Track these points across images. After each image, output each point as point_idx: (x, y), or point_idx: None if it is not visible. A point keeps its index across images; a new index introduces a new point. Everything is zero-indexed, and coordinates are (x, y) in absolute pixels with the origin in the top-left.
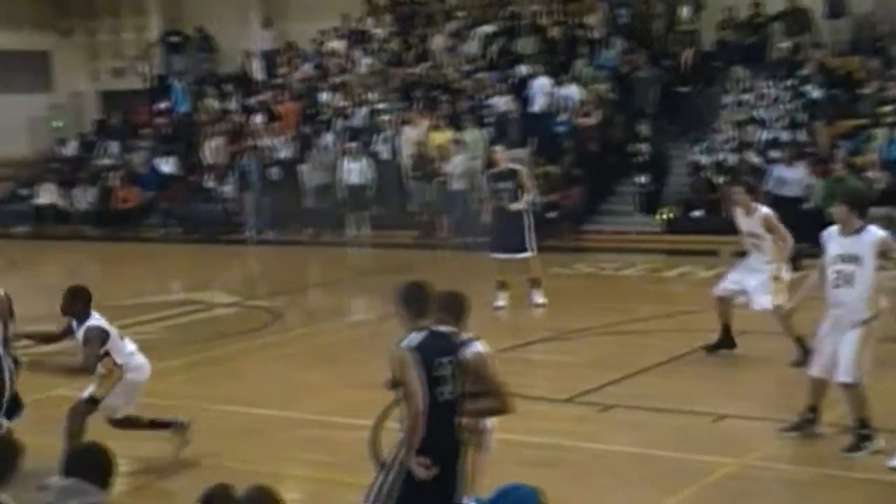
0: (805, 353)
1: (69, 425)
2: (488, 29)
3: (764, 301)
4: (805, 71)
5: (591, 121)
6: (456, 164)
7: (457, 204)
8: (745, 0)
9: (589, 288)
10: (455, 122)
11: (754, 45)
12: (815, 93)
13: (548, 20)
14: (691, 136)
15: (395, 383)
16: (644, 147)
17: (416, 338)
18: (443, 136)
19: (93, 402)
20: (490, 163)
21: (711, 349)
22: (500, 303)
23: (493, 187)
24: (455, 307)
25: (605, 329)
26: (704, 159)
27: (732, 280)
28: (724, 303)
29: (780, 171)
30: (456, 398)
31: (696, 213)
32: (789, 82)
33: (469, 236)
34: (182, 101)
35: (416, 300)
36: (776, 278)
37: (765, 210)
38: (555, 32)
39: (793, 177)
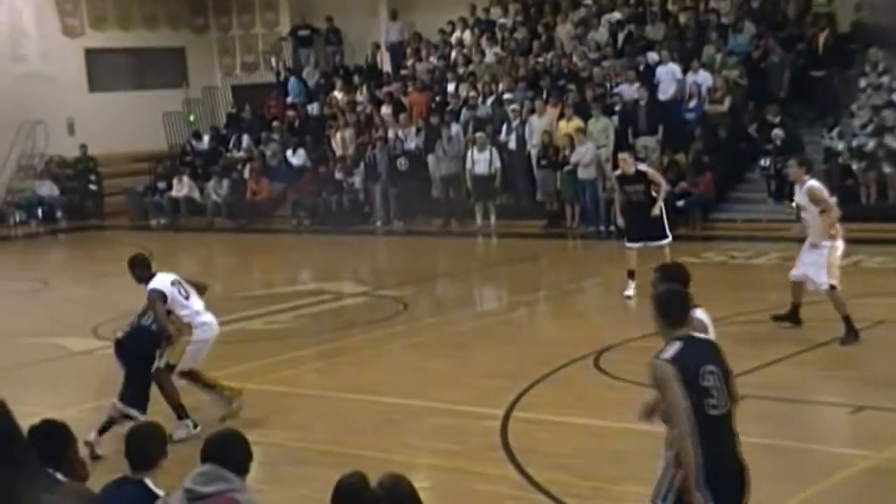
0: (852, 333)
1: (165, 397)
2: (616, 16)
3: (821, 278)
4: None
5: (722, 107)
6: (584, 152)
7: (585, 192)
8: None
9: (720, 277)
10: (582, 111)
11: (891, 27)
12: None
13: (676, 6)
14: (826, 122)
15: (651, 409)
16: (777, 132)
17: (673, 348)
18: (570, 125)
19: (169, 369)
20: (616, 166)
21: (778, 318)
22: (630, 292)
23: (625, 190)
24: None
25: (737, 318)
26: (840, 145)
27: (798, 264)
28: (798, 287)
29: None
30: (727, 412)
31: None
32: None
33: (596, 225)
34: (298, 93)
35: (672, 307)
36: (830, 258)
37: (812, 182)
38: (684, 18)
39: None
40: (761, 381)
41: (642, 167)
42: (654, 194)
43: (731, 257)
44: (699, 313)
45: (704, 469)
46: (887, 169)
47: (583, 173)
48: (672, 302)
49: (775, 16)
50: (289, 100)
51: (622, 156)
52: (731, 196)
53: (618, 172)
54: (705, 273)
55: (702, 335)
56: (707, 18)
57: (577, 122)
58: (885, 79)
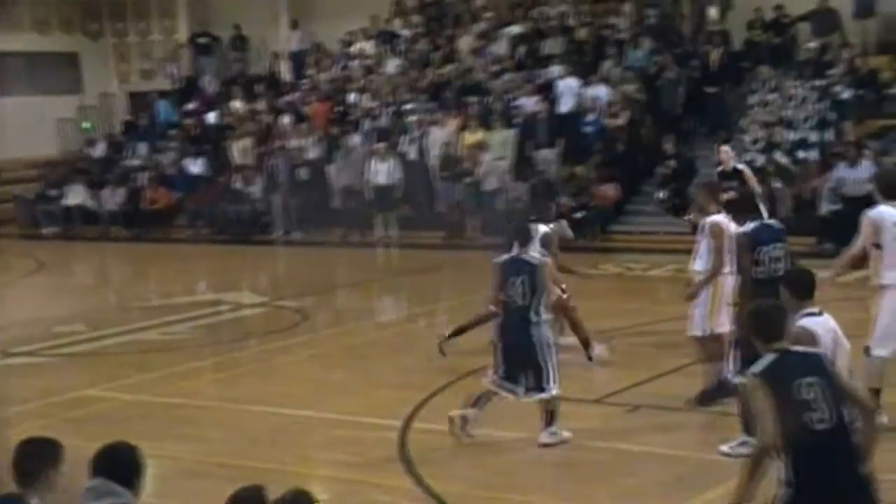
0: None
1: None
2: (516, 30)
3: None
4: (833, 71)
5: (620, 121)
6: (485, 164)
7: (486, 204)
8: (773, 0)
9: (617, 288)
10: (483, 123)
11: (782, 45)
12: (844, 93)
13: (575, 21)
14: (719, 137)
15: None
16: (670, 163)
17: (764, 361)
18: (472, 137)
19: None
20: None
21: None
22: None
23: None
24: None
25: (633, 329)
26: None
27: None
28: None
29: (842, 170)
30: (835, 427)
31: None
32: (817, 82)
33: (498, 236)
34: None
35: (767, 322)
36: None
37: (717, 217)
38: (582, 33)
39: (856, 176)
40: (657, 391)
41: (741, 165)
42: None
43: (628, 269)
44: (807, 322)
45: (806, 489)
46: (776, 184)
47: (483, 185)
48: (766, 316)
49: (671, 32)
50: (189, 107)
51: (724, 148)
52: (629, 209)
53: (719, 168)
54: (603, 284)
55: (803, 348)
56: (605, 34)
57: (478, 133)
58: (774, 96)
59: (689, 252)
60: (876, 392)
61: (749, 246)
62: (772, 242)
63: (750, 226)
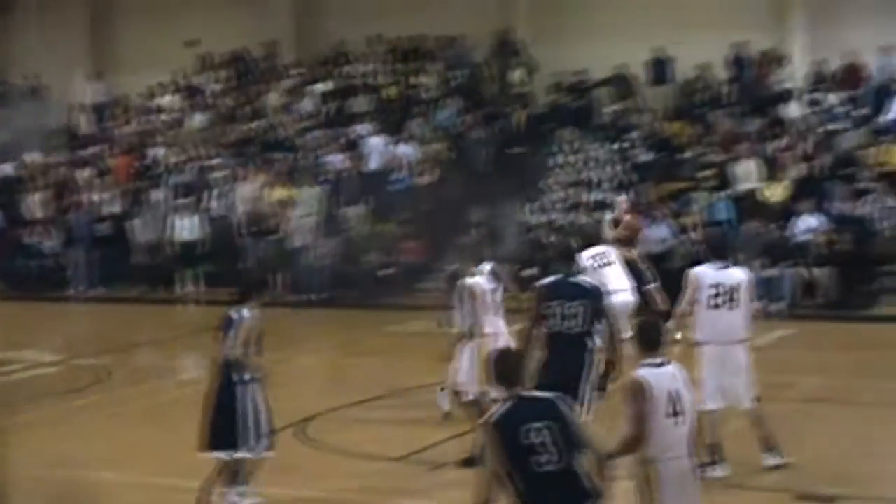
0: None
1: None
2: (324, 87)
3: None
4: (631, 134)
5: (427, 179)
6: (292, 220)
7: (293, 261)
8: (574, 64)
9: (424, 345)
10: (291, 180)
11: (582, 108)
12: (642, 156)
13: (383, 80)
14: (524, 196)
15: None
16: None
17: (498, 409)
18: (278, 193)
19: None
20: None
21: None
22: None
23: None
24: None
25: (435, 388)
26: (536, 219)
27: None
28: None
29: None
30: (563, 469)
31: (529, 272)
32: (616, 145)
33: (305, 294)
34: None
35: (505, 369)
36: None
37: (474, 279)
38: (390, 92)
39: (655, 235)
40: (463, 448)
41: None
42: None
43: (437, 325)
44: (642, 372)
45: None
46: (575, 244)
47: (291, 241)
48: (501, 364)
49: (477, 93)
50: None
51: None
52: (436, 266)
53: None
54: (411, 341)
55: (537, 393)
56: (413, 93)
57: (284, 190)
58: (576, 157)
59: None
60: (714, 446)
61: (541, 298)
62: (569, 299)
63: (549, 280)
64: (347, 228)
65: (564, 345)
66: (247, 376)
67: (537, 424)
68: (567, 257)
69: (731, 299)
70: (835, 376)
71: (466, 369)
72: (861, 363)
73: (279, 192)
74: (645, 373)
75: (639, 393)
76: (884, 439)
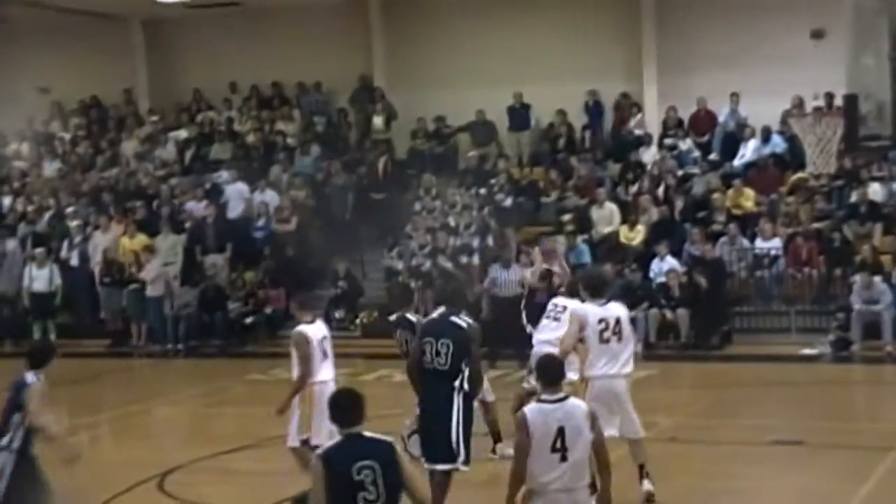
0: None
1: None
2: (182, 134)
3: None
4: (492, 180)
5: (289, 226)
6: (151, 270)
7: (152, 310)
8: (434, 111)
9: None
10: (150, 228)
11: (444, 154)
12: (504, 201)
13: (243, 126)
14: (387, 242)
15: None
16: (342, 283)
17: (330, 444)
18: (136, 242)
19: None
20: None
21: None
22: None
23: None
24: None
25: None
26: (400, 264)
27: None
28: None
29: (496, 271)
30: None
31: (393, 317)
32: (476, 190)
33: (165, 344)
34: None
35: (338, 408)
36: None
37: (299, 328)
38: (251, 138)
39: (508, 278)
40: None
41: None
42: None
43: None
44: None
45: None
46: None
47: (150, 291)
48: (335, 403)
49: (338, 140)
50: None
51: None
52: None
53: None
54: (274, 390)
55: (376, 435)
56: (274, 139)
57: (143, 238)
58: (437, 202)
59: (358, 355)
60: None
61: (420, 335)
62: (438, 337)
63: (427, 318)
64: (208, 277)
65: (434, 382)
66: (3, 441)
67: (366, 463)
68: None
69: (616, 332)
70: (694, 416)
71: (297, 416)
72: (718, 402)
73: (137, 241)
74: (532, 408)
75: (520, 427)
76: (743, 476)
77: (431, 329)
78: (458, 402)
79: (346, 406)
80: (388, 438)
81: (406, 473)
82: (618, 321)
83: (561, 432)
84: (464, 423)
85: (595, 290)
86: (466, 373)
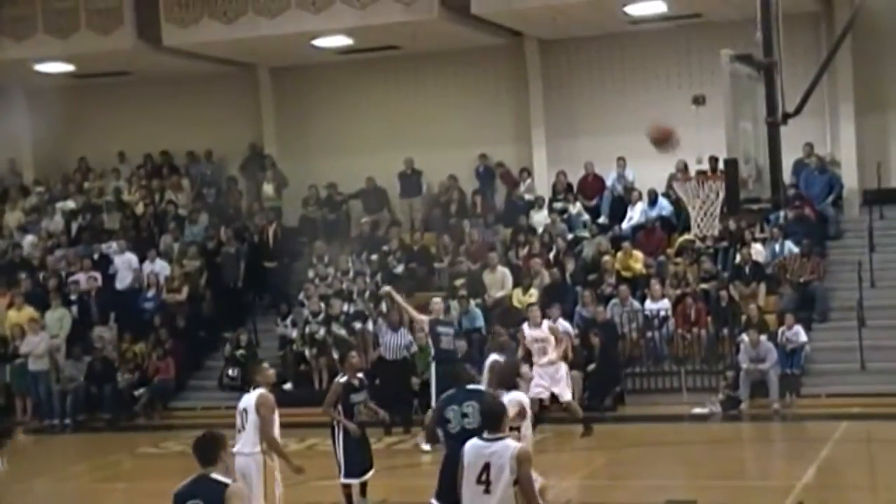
0: None
1: None
2: (70, 204)
3: None
4: (385, 246)
5: (180, 296)
6: (37, 342)
7: (38, 385)
8: (325, 178)
9: (181, 466)
10: (37, 300)
11: (336, 221)
12: (397, 267)
13: (132, 196)
14: (280, 310)
15: None
16: (241, 352)
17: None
18: (22, 315)
19: None
20: None
21: None
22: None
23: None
24: None
25: None
26: (294, 332)
27: None
28: None
29: (385, 334)
30: None
31: (287, 386)
32: (369, 257)
33: (52, 418)
34: None
35: (196, 450)
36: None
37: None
38: (140, 208)
39: (396, 342)
40: None
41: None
42: None
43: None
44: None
45: None
46: (336, 354)
47: (35, 364)
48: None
49: (228, 208)
50: None
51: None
52: (190, 384)
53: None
54: (165, 463)
55: (216, 476)
56: (164, 209)
57: (29, 311)
58: (330, 269)
59: None
60: None
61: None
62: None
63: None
64: (96, 349)
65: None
66: None
67: (193, 501)
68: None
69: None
70: (588, 477)
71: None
72: (612, 463)
73: (24, 314)
74: (469, 443)
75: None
76: None
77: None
78: None
79: (201, 448)
80: (228, 481)
81: None
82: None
83: (486, 467)
84: None
85: (506, 383)
86: None
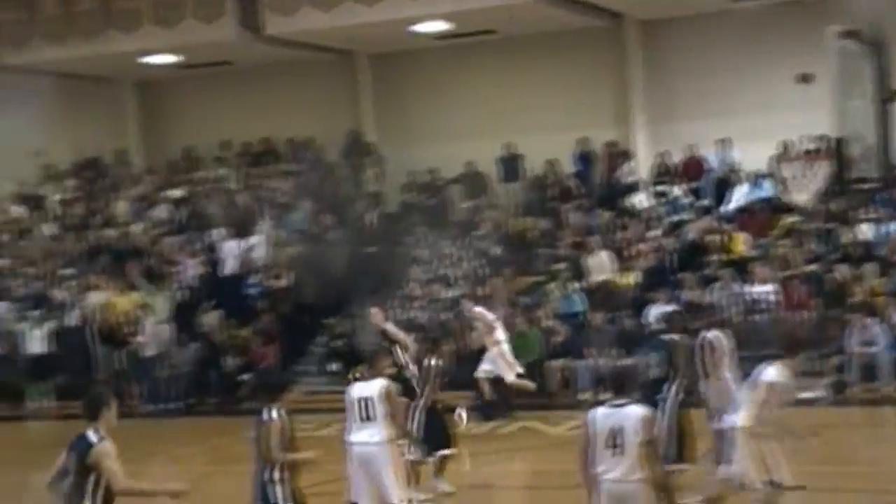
0: None
1: None
2: (176, 193)
3: None
4: (484, 231)
5: (282, 282)
6: (146, 329)
7: (148, 370)
8: (426, 163)
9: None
10: (145, 287)
11: (436, 206)
12: (495, 251)
13: (235, 184)
14: (382, 295)
15: None
16: (339, 342)
17: None
18: (130, 302)
19: None
20: None
21: None
22: None
23: None
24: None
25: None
26: (395, 317)
27: None
28: None
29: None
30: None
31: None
32: (469, 242)
33: (162, 403)
34: None
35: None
36: None
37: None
38: (243, 196)
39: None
40: None
41: (389, 326)
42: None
43: (299, 429)
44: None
45: None
46: (435, 339)
47: (146, 350)
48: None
49: (329, 195)
50: None
51: (373, 310)
52: (296, 369)
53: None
54: None
55: (91, 435)
56: (265, 196)
57: (138, 297)
58: (431, 255)
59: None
60: None
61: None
62: None
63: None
64: (203, 335)
65: None
66: None
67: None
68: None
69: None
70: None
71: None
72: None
73: (132, 301)
74: (597, 411)
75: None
76: None
77: None
78: None
79: (85, 405)
80: (95, 440)
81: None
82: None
83: (618, 432)
84: None
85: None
86: None
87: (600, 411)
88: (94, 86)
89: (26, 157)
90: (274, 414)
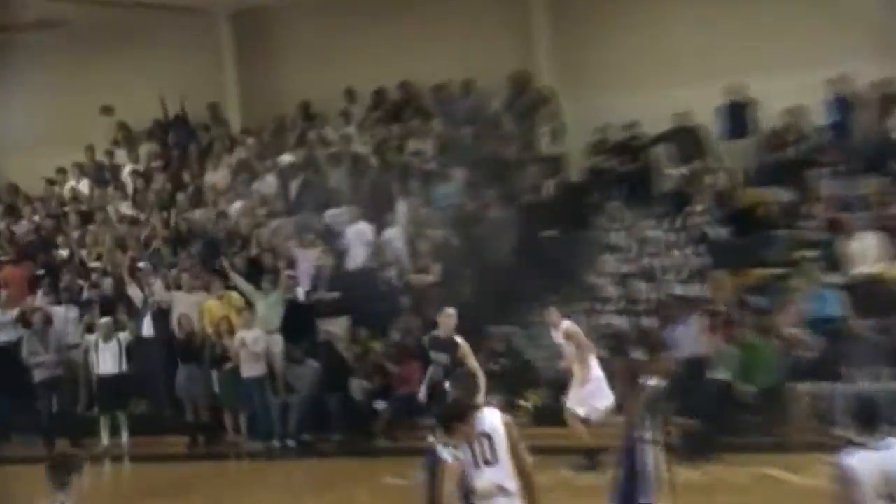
0: None
1: None
2: (287, 159)
3: None
4: (698, 206)
5: (429, 277)
6: (249, 341)
7: (250, 396)
8: (621, 116)
9: None
10: (245, 286)
11: (635, 174)
12: (716, 233)
13: (366, 147)
14: (562, 295)
15: None
16: (502, 360)
17: None
18: (227, 305)
19: None
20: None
21: None
22: None
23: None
24: None
25: None
26: (582, 326)
27: None
28: None
29: (671, 329)
30: None
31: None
32: (682, 222)
33: (270, 439)
34: None
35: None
36: None
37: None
38: (376, 163)
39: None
40: None
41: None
42: None
43: None
44: None
45: None
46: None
47: (248, 369)
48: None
49: (491, 160)
50: None
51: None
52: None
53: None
54: (417, 499)
55: None
56: (407, 162)
57: (237, 299)
58: (629, 241)
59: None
60: None
61: None
62: None
63: None
64: (324, 349)
65: None
66: None
67: None
68: None
69: None
70: None
71: None
72: None
73: (229, 304)
74: (857, 457)
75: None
76: None
77: None
78: None
79: (50, 472)
80: None
81: None
82: None
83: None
84: None
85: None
86: None
87: (860, 455)
88: (181, 20)
89: (91, 117)
90: (448, 453)
